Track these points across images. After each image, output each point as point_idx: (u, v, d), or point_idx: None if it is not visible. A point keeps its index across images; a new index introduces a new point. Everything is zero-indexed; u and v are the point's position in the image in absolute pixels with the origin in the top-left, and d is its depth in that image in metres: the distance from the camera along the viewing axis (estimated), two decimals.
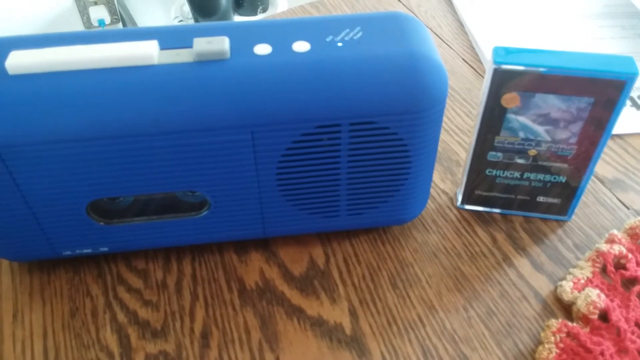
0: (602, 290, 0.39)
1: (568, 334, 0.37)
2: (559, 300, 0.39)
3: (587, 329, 0.37)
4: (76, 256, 0.41)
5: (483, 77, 0.58)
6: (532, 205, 0.44)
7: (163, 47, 0.34)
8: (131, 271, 0.42)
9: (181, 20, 1.56)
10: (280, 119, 0.34)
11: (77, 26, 1.54)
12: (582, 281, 0.39)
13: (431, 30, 0.65)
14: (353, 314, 0.39)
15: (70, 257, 0.41)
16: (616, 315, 0.37)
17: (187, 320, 0.39)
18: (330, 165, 0.37)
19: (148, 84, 0.33)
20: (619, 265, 0.41)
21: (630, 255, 0.40)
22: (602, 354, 0.35)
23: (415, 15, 0.67)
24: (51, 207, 0.37)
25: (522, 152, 0.40)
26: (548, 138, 0.39)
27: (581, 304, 0.37)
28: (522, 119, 0.38)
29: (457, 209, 0.46)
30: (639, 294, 0.39)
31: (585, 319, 0.37)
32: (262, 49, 0.34)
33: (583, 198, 0.46)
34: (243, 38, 0.35)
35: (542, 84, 0.36)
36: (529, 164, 0.41)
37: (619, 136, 0.51)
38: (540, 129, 0.39)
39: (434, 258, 0.42)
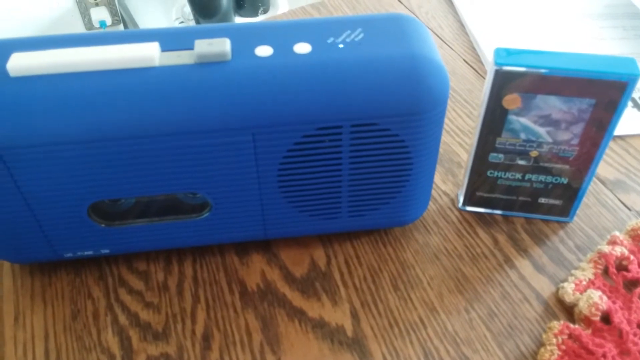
0: (604, 291, 0.39)
1: (570, 336, 0.37)
2: (560, 301, 0.39)
3: (589, 331, 0.37)
4: (77, 258, 0.41)
5: (484, 78, 0.58)
6: (534, 206, 0.44)
7: (164, 48, 0.34)
8: (132, 273, 0.42)
9: (182, 22, 1.57)
10: (282, 121, 0.34)
11: (78, 27, 1.54)
12: (584, 283, 0.39)
13: (432, 31, 0.65)
14: (354, 315, 0.39)
15: (71, 259, 0.41)
16: (618, 317, 0.37)
17: (189, 322, 0.39)
18: (331, 167, 0.37)
19: (149, 86, 0.33)
20: (621, 266, 0.41)
21: (632, 257, 0.40)
22: (604, 356, 0.35)
23: (416, 16, 0.67)
24: (52, 209, 0.37)
25: (524, 154, 0.40)
26: (549, 139, 0.39)
27: (583, 306, 0.37)
28: (523, 120, 0.38)
29: (459, 210, 0.45)
30: None
31: (587, 321, 0.37)
32: (263, 50, 0.34)
33: (584, 199, 0.46)
34: (244, 40, 0.35)
35: (544, 85, 0.36)
36: (531, 165, 0.41)
37: (621, 137, 0.51)
38: (541, 130, 0.39)
39: (436, 259, 0.42)
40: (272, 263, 0.42)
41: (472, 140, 0.41)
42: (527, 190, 0.43)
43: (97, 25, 1.54)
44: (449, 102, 0.55)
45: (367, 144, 0.36)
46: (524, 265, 0.42)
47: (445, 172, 0.48)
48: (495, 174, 0.42)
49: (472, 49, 0.62)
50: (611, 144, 0.51)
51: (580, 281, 0.39)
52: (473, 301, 0.40)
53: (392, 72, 0.34)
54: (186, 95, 0.33)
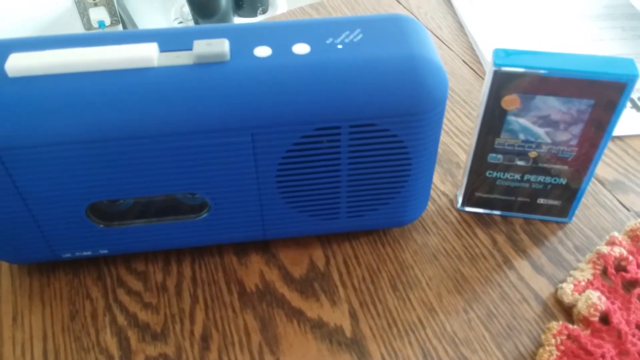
0: (602, 292, 0.39)
1: (569, 337, 0.37)
2: (559, 302, 0.39)
3: (588, 332, 0.37)
4: (76, 258, 0.41)
5: (483, 78, 0.58)
6: (533, 207, 0.44)
7: (163, 49, 0.34)
8: (131, 273, 0.42)
9: (181, 22, 1.56)
10: (281, 121, 0.34)
11: (77, 27, 1.54)
12: (583, 283, 0.39)
13: (431, 31, 0.65)
14: (353, 316, 0.39)
15: (70, 259, 0.41)
16: (617, 318, 0.37)
17: (187, 322, 0.39)
18: (330, 167, 0.37)
19: (148, 87, 0.33)
20: (620, 267, 0.41)
21: (630, 258, 0.40)
22: (602, 356, 0.35)
23: (415, 16, 0.67)
24: (51, 210, 0.36)
25: (523, 154, 0.40)
26: (548, 140, 0.39)
27: (582, 306, 0.37)
28: (522, 120, 0.38)
29: (458, 210, 0.45)
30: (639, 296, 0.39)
31: (585, 322, 0.37)
32: (262, 51, 0.34)
33: (583, 200, 0.46)
34: (243, 40, 0.35)
35: (543, 86, 0.36)
36: (529, 166, 0.41)
37: (620, 138, 0.51)
38: (540, 131, 0.39)
39: (434, 260, 0.42)
40: (270, 263, 0.42)
41: (471, 141, 0.41)
42: (526, 191, 0.43)
43: (96, 25, 1.54)
44: (447, 102, 0.55)
45: (366, 144, 0.36)
46: (522, 266, 0.42)
47: (444, 172, 0.48)
48: (494, 174, 0.42)
49: (471, 49, 0.62)
50: (610, 144, 0.51)
51: (579, 282, 0.39)
52: (472, 301, 0.40)
53: (391, 72, 0.34)
54: (185, 96, 0.33)
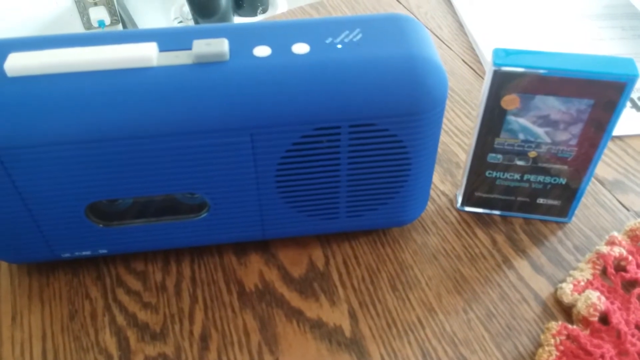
0: (602, 292, 0.39)
1: (568, 337, 0.37)
2: (559, 302, 0.39)
3: (587, 332, 0.37)
4: (75, 258, 0.41)
5: (483, 78, 0.58)
6: (532, 207, 0.44)
7: (162, 49, 0.34)
8: (130, 273, 0.42)
9: (181, 21, 1.56)
10: (280, 121, 0.34)
11: (77, 27, 1.54)
12: (582, 283, 0.39)
13: (431, 31, 0.65)
14: (353, 316, 0.39)
15: (69, 259, 0.41)
16: (616, 318, 0.37)
17: (186, 322, 0.39)
18: (329, 167, 0.37)
19: (147, 86, 0.33)
20: (619, 267, 0.41)
21: (630, 258, 0.40)
22: (602, 356, 0.35)
23: (415, 16, 0.67)
24: (50, 209, 0.36)
25: (522, 154, 0.40)
26: (548, 140, 0.39)
27: (581, 307, 0.37)
28: (522, 120, 0.38)
29: (457, 210, 0.45)
30: (639, 296, 0.39)
31: (585, 322, 0.37)
32: (262, 50, 0.34)
33: (583, 200, 0.46)
34: (242, 40, 0.35)
35: (542, 86, 0.36)
36: (529, 165, 0.41)
37: (619, 137, 0.51)
38: (540, 131, 0.39)
39: (434, 260, 0.42)
40: (270, 263, 0.42)
41: (471, 141, 0.41)
42: (525, 191, 0.43)
43: (95, 24, 1.54)
44: (447, 102, 0.55)
45: (365, 144, 0.36)
46: (522, 266, 0.42)
47: (444, 172, 0.48)
48: (494, 174, 0.42)
49: (471, 49, 0.62)
50: (610, 144, 0.51)
51: (579, 282, 0.39)
52: (471, 302, 0.40)
53: (390, 72, 0.34)
54: (184, 96, 0.33)
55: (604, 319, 0.37)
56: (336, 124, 0.34)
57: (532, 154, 0.40)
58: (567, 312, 0.39)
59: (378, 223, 0.42)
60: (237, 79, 0.33)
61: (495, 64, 0.36)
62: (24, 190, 0.35)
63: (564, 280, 0.41)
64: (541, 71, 0.36)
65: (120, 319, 0.39)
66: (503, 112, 0.38)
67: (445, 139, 0.51)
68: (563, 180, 0.41)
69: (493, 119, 0.39)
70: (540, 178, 0.42)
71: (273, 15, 0.73)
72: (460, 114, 0.54)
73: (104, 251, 0.40)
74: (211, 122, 0.33)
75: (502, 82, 0.37)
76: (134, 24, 1.51)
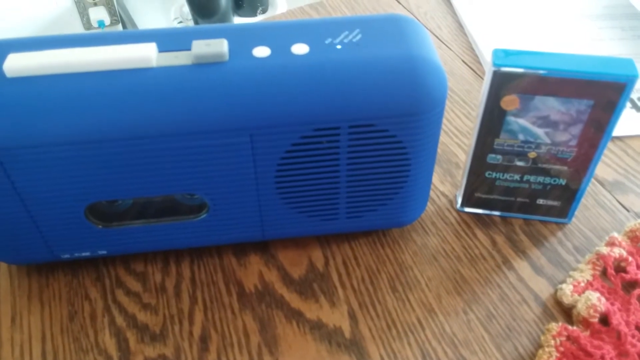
0: (602, 293, 0.39)
1: (568, 338, 0.37)
2: (559, 303, 0.39)
3: (588, 333, 0.37)
4: (75, 259, 0.41)
5: (482, 78, 0.58)
6: (532, 207, 0.44)
7: (161, 49, 0.34)
8: (130, 274, 0.42)
9: (181, 22, 1.56)
10: (279, 122, 0.34)
11: (77, 27, 1.54)
12: (582, 284, 0.39)
13: (430, 31, 0.65)
14: (352, 317, 0.39)
15: (68, 260, 0.41)
16: (616, 319, 0.37)
17: (186, 323, 0.39)
18: (329, 168, 0.37)
19: (146, 87, 0.33)
20: (619, 268, 0.41)
21: (630, 258, 0.40)
22: (602, 357, 0.35)
23: (415, 16, 0.67)
24: (49, 210, 0.36)
25: (522, 155, 0.40)
26: (548, 140, 0.39)
27: (581, 308, 0.37)
28: (521, 121, 0.38)
29: (457, 211, 0.45)
30: (639, 297, 0.39)
31: (585, 323, 0.37)
32: (261, 51, 0.34)
33: (583, 200, 0.46)
34: (242, 40, 0.35)
35: (542, 86, 0.36)
36: (529, 166, 0.41)
37: (619, 138, 0.51)
38: (540, 132, 0.39)
39: (434, 261, 0.42)
40: (269, 264, 0.42)
41: (471, 141, 0.41)
42: (525, 192, 0.43)
43: (95, 25, 1.54)
44: (447, 102, 0.55)
45: (365, 145, 0.36)
46: (522, 267, 0.42)
47: (444, 173, 0.48)
48: (494, 175, 0.42)
49: (471, 49, 0.62)
50: (610, 145, 0.51)
51: (579, 283, 0.39)
52: (471, 303, 0.40)
53: (390, 72, 0.34)
54: (183, 96, 0.33)
55: (604, 320, 0.37)
56: (336, 125, 0.34)
57: (532, 154, 0.40)
58: (567, 313, 0.39)
59: (378, 224, 0.42)
60: (236, 79, 0.33)
61: (494, 65, 0.36)
62: (24, 191, 0.35)
63: (564, 281, 0.40)
64: (541, 72, 0.36)
65: (120, 320, 0.39)
66: (503, 113, 0.38)
67: (445, 140, 0.51)
68: (563, 181, 0.41)
69: (493, 119, 0.39)
70: (540, 179, 0.42)
71: (273, 16, 0.73)
72: (460, 115, 0.54)
73: (104, 252, 0.40)
74: (210, 123, 0.33)
75: (501, 83, 0.37)
76: (133, 24, 1.51)
